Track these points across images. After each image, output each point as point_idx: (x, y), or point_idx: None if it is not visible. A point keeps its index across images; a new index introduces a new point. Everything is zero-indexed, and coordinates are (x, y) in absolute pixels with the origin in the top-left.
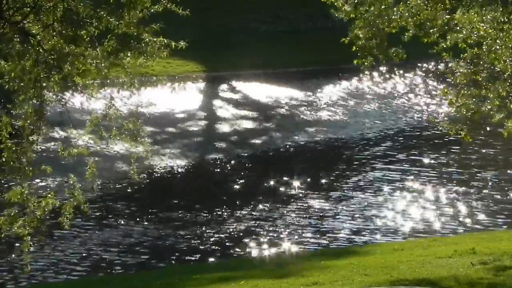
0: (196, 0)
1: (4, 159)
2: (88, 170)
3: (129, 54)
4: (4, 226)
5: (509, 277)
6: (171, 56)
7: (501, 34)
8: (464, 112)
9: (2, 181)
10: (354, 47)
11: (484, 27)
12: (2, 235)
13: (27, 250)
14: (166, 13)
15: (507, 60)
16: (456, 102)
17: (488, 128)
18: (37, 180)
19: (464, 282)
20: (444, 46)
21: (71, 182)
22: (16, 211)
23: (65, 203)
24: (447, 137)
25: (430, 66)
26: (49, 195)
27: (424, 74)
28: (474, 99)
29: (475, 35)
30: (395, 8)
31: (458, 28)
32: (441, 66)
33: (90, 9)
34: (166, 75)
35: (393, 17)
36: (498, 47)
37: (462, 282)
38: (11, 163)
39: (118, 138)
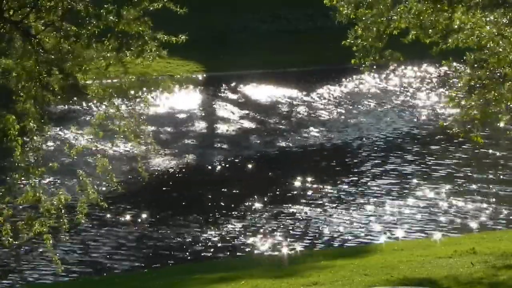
0: (196, 0)
1: (14, 158)
2: (98, 165)
3: (128, 54)
4: (24, 232)
5: (509, 277)
6: (171, 56)
7: (504, 34)
8: (472, 114)
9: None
10: (354, 47)
11: (487, 28)
12: (23, 241)
13: (51, 248)
14: (166, 14)
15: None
16: (463, 104)
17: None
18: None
19: (464, 282)
20: (445, 46)
21: (82, 179)
22: (32, 214)
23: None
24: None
25: (432, 67)
26: (60, 192)
27: (425, 75)
28: (479, 101)
29: (476, 37)
30: (394, 10)
31: (457, 27)
32: (442, 67)
33: (90, 7)
34: (166, 75)
35: (393, 18)
36: (501, 49)
37: (462, 282)
38: (20, 164)
39: (121, 136)
